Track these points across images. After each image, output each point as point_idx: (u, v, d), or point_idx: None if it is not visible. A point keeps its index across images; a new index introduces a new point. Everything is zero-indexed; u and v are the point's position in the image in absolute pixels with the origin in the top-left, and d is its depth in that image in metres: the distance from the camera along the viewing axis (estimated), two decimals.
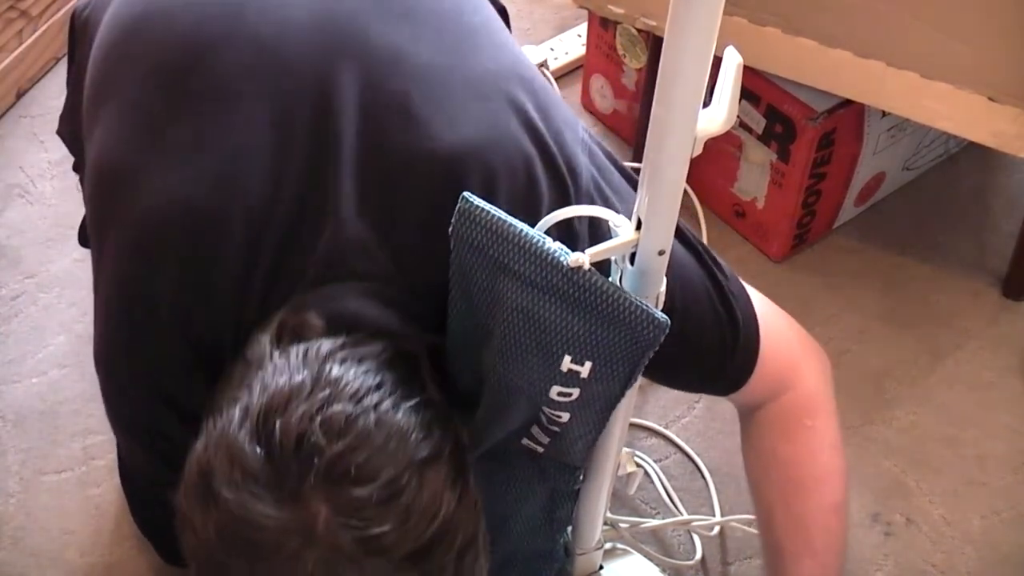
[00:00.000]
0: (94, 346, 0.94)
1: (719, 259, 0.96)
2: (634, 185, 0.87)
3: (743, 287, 0.98)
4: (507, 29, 1.04)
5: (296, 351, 0.80)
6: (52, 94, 1.85)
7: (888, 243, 1.64)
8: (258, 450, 0.74)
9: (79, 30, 1.09)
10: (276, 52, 0.88)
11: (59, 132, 1.23)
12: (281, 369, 0.78)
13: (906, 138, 1.59)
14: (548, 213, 0.84)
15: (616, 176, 0.95)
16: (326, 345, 0.80)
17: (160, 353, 0.89)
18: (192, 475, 0.77)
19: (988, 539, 1.34)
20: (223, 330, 0.87)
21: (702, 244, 0.96)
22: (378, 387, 0.78)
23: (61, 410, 1.44)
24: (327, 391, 0.76)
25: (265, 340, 0.82)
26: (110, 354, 0.93)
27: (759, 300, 0.99)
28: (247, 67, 0.88)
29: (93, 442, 1.41)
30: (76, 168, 1.18)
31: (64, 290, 1.57)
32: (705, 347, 0.94)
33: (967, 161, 1.75)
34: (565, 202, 0.88)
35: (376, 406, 0.77)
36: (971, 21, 1.25)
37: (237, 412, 0.76)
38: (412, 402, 0.79)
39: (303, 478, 0.73)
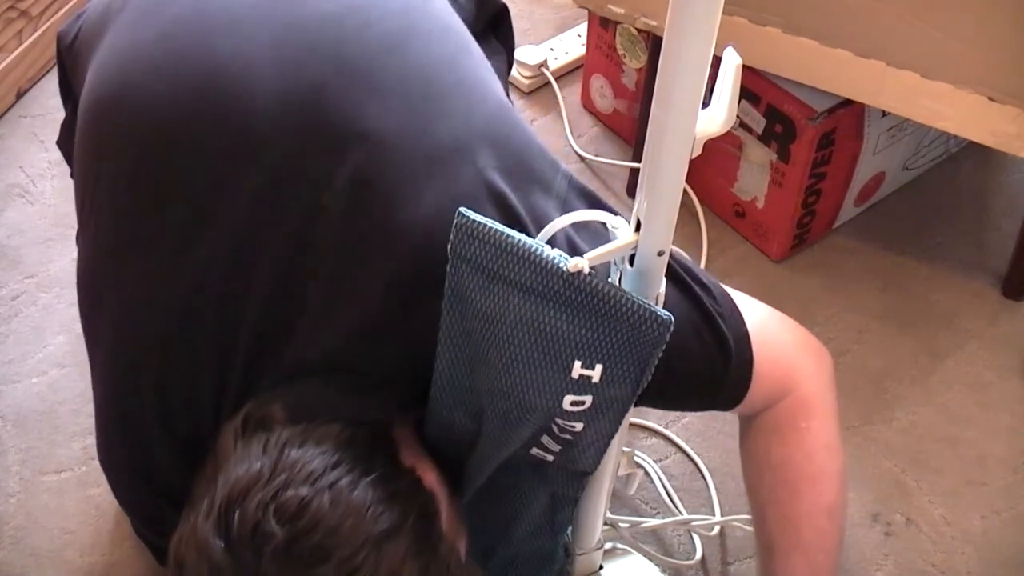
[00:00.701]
0: (96, 442, 1.00)
1: (705, 280, 0.95)
2: None
3: (734, 304, 0.96)
4: (487, 64, 1.03)
5: (258, 440, 0.83)
6: (52, 94, 1.85)
7: (888, 243, 1.64)
8: (219, 542, 0.77)
9: (69, 60, 1.11)
10: (246, 141, 0.88)
11: (59, 143, 1.25)
12: (242, 459, 0.82)
13: (906, 138, 1.59)
14: None
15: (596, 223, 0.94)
16: (287, 432, 0.83)
17: (152, 456, 0.94)
18: (171, 566, 0.82)
19: (988, 539, 1.34)
20: (205, 432, 0.90)
21: (685, 267, 0.94)
22: (335, 466, 0.81)
23: (61, 410, 1.45)
24: (283, 476, 0.79)
25: (230, 432, 0.85)
26: (110, 454, 0.99)
27: (753, 309, 0.98)
28: (219, 162, 0.89)
29: (93, 442, 1.40)
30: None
31: (64, 290, 1.57)
32: (694, 376, 0.94)
33: (967, 161, 1.75)
34: None
35: (332, 485, 0.79)
36: (971, 21, 1.25)
37: (204, 505, 0.80)
38: (371, 477, 0.81)
39: (259, 566, 0.76)
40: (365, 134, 0.87)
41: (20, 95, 1.86)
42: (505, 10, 1.26)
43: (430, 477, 0.88)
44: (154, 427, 0.92)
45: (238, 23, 0.93)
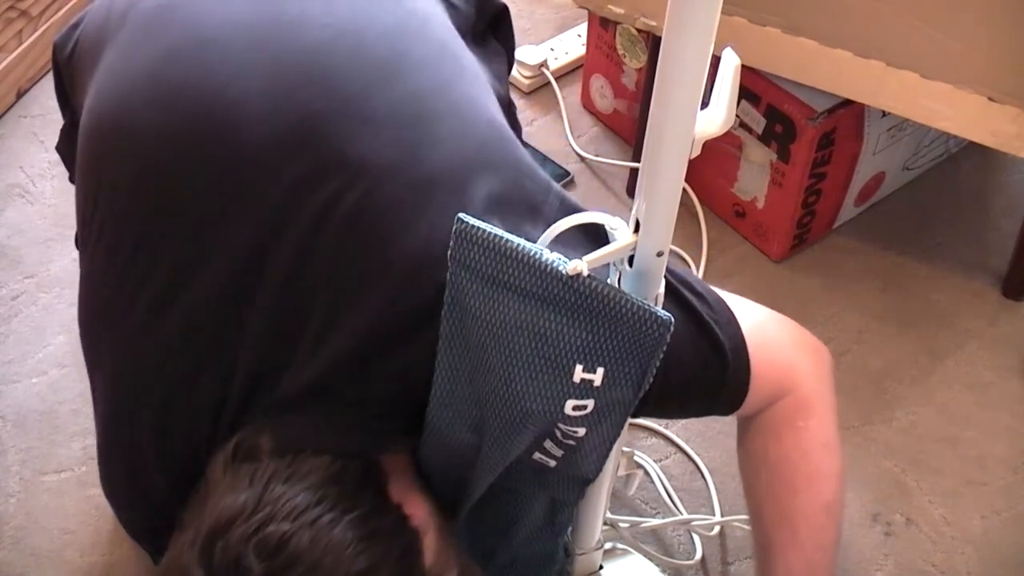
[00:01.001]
0: (98, 468, 1.01)
1: (700, 288, 0.95)
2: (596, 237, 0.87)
3: (730, 311, 0.96)
4: (483, 81, 1.03)
5: (246, 471, 0.84)
6: (52, 94, 1.83)
7: (888, 243, 1.64)
8: (201, 572, 0.79)
9: (67, 71, 1.12)
10: (240, 175, 0.89)
11: (58, 148, 1.25)
12: (229, 490, 0.83)
13: (906, 138, 1.59)
14: None
15: (578, 236, 0.94)
16: (274, 464, 0.84)
17: (151, 482, 0.95)
18: None
19: (988, 539, 1.34)
20: (202, 459, 0.91)
21: (680, 277, 0.94)
22: (319, 502, 0.82)
23: (61, 410, 1.45)
24: (266, 510, 0.80)
25: (220, 460, 0.86)
26: (110, 478, 1.00)
27: (750, 311, 0.98)
28: (213, 195, 0.90)
29: (93, 442, 1.40)
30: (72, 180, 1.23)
31: (64, 290, 1.57)
32: (692, 384, 0.94)
33: (967, 161, 1.75)
34: None
35: (313, 522, 0.80)
36: (971, 21, 1.25)
37: (191, 533, 0.81)
38: (354, 514, 0.82)
39: None
40: (358, 166, 0.88)
41: (20, 95, 1.86)
42: (505, 10, 1.26)
43: (419, 511, 0.88)
44: (152, 455, 0.93)
45: (233, 53, 0.94)
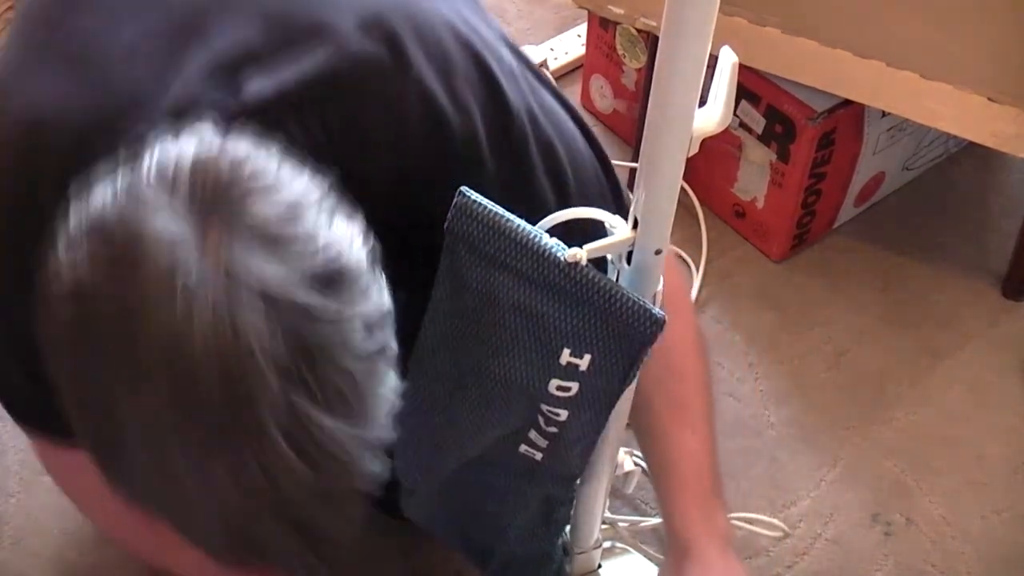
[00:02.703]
0: None
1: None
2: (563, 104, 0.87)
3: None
4: None
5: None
6: None
7: (888, 243, 1.64)
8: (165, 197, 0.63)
9: None
10: None
11: None
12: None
13: (906, 138, 1.59)
14: (468, 86, 0.84)
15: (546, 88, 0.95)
16: None
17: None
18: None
19: (988, 539, 1.33)
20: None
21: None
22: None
23: None
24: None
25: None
26: None
27: None
28: None
29: None
30: None
31: None
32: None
33: (967, 161, 1.75)
34: (488, 83, 0.87)
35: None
36: (971, 21, 1.25)
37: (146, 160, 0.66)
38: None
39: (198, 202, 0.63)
40: None
41: None
42: None
43: None
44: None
45: None
